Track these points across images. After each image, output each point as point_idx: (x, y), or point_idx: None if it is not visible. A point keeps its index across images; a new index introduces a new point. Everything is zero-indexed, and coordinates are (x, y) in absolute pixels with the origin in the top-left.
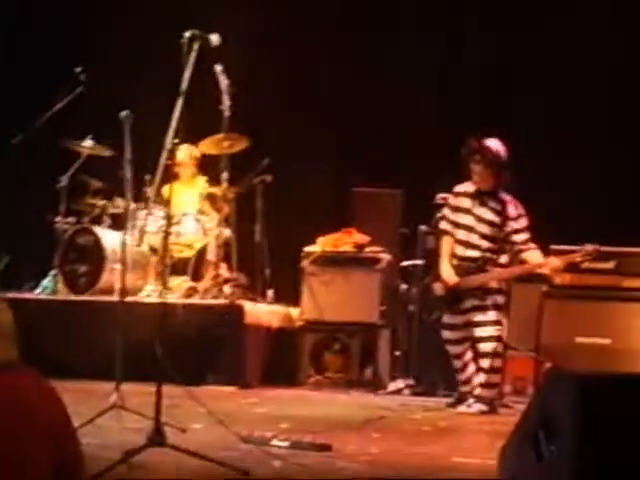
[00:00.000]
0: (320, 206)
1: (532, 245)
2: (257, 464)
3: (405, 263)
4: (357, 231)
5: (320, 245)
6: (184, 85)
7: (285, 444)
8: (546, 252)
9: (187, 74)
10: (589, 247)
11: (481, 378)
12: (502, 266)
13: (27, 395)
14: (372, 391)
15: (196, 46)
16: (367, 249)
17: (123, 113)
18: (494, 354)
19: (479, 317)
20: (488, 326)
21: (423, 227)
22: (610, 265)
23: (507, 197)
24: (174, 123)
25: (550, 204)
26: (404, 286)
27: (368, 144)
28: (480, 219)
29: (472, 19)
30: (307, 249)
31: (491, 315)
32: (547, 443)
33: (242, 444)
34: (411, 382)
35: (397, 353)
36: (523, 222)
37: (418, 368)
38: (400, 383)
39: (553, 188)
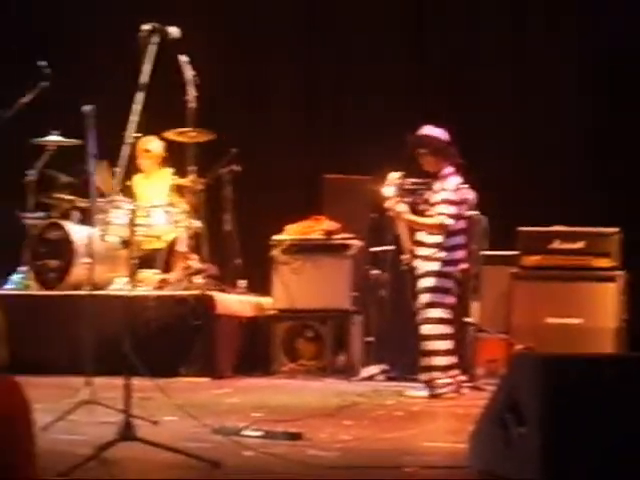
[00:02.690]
0: (289, 194)
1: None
2: (228, 455)
3: (376, 249)
4: (327, 218)
5: (289, 233)
6: (144, 78)
7: (257, 434)
8: (513, 234)
9: (147, 67)
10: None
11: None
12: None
13: None
14: (345, 378)
15: (155, 39)
16: (337, 236)
17: (86, 107)
18: (425, 337)
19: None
20: (421, 309)
21: None
22: (579, 245)
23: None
24: (135, 117)
25: (515, 186)
26: (375, 272)
27: (336, 130)
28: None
29: None
30: (277, 238)
31: (423, 298)
32: (515, 426)
33: (214, 436)
34: (384, 367)
35: (370, 339)
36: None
37: (391, 353)
38: (373, 369)
39: (516, 170)
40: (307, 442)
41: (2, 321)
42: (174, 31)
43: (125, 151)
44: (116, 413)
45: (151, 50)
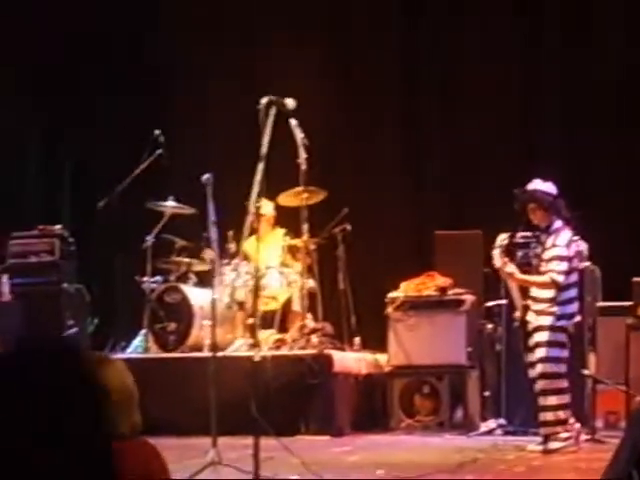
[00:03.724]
0: (401, 251)
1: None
2: None
3: (489, 303)
4: (439, 274)
5: (403, 290)
6: (264, 150)
7: None
8: (627, 285)
9: (266, 139)
10: None
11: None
12: None
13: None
14: (464, 433)
15: (273, 111)
16: (450, 291)
17: (205, 176)
18: (542, 392)
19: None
20: (537, 363)
21: None
22: None
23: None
24: (257, 186)
25: (628, 236)
26: (490, 326)
27: (446, 186)
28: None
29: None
30: (391, 295)
31: (538, 353)
32: None
33: None
34: (502, 422)
35: (487, 393)
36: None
37: (509, 407)
38: (491, 423)
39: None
40: None
41: (134, 387)
42: (290, 103)
43: (249, 219)
44: (241, 473)
45: (269, 122)
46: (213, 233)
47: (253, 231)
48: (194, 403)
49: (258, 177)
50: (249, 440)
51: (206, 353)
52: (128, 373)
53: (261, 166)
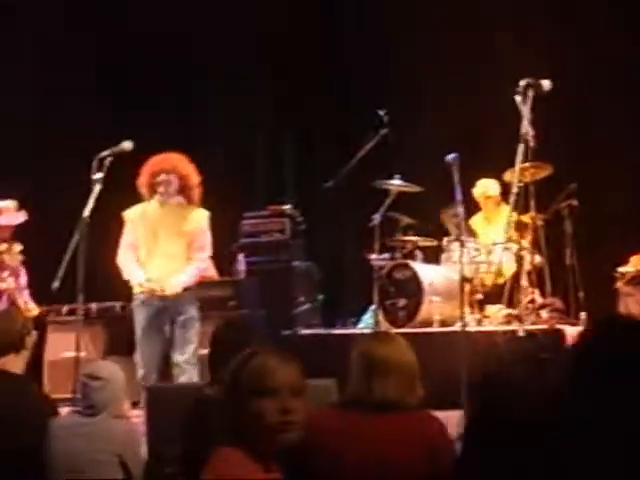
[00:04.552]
0: (629, 226)
1: None
2: None
3: None
4: None
5: (633, 264)
6: (523, 130)
7: None
8: None
9: (526, 121)
10: None
11: None
12: None
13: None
14: None
15: (531, 93)
16: None
17: (450, 156)
18: None
19: None
20: None
21: None
22: None
23: None
24: (518, 167)
25: None
26: None
27: None
28: None
29: None
30: (621, 269)
31: None
32: None
33: None
34: None
35: None
36: None
37: None
38: None
39: None
40: None
41: (415, 361)
42: (546, 84)
43: (512, 200)
44: None
45: (528, 103)
46: (460, 211)
47: (480, 209)
48: (439, 377)
49: (519, 157)
50: None
51: (435, 328)
52: (409, 348)
53: (521, 147)
